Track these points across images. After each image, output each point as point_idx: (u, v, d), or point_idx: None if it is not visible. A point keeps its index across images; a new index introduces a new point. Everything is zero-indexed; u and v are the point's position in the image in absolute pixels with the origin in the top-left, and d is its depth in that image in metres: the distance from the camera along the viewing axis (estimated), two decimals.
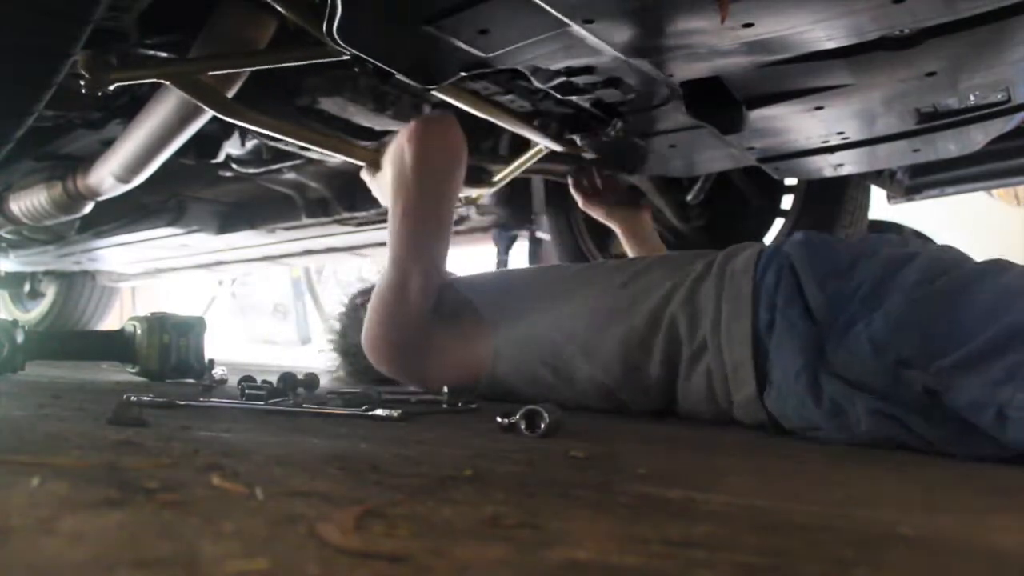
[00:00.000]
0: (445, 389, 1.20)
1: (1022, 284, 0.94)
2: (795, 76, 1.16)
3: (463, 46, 1.02)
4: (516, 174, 1.80)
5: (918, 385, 0.92)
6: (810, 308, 1.06)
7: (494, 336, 1.36)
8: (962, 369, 0.89)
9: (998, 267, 1.00)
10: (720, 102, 1.24)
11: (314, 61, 1.26)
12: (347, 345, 1.71)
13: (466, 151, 1.41)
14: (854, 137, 1.39)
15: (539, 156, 1.70)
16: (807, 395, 1.01)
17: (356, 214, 2.28)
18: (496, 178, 1.83)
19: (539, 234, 2.38)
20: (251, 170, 1.99)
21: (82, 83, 1.25)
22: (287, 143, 1.72)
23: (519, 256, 2.46)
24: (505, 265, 2.37)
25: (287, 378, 1.28)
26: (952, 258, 1.06)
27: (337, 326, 1.78)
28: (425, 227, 1.40)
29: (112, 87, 1.28)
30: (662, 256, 1.57)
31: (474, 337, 1.38)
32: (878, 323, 0.98)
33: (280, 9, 1.14)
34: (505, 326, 1.36)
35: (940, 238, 1.72)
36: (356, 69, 1.14)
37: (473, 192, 1.86)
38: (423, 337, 1.37)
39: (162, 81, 1.29)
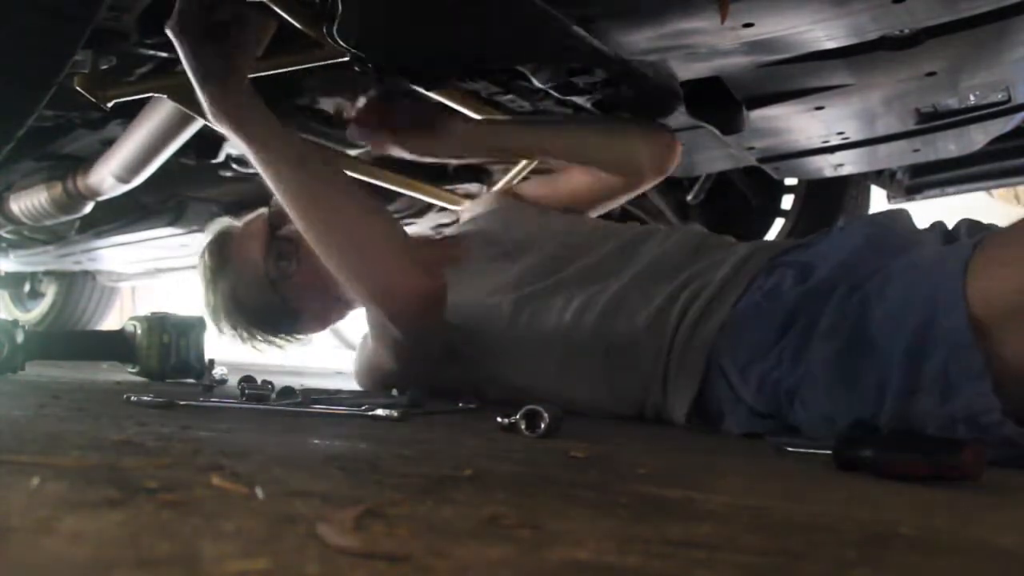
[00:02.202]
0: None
1: (911, 292, 0.90)
2: (795, 76, 1.16)
3: (463, 46, 1.02)
4: (516, 182, 1.79)
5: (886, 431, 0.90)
6: (750, 405, 1.02)
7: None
8: (906, 398, 0.86)
9: (886, 276, 0.95)
10: (720, 102, 1.24)
11: (313, 64, 1.26)
12: None
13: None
14: (854, 137, 1.39)
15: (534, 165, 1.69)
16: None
17: None
18: (497, 187, 1.82)
19: None
20: (251, 170, 1.99)
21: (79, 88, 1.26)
22: None
23: None
24: None
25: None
26: (856, 285, 0.98)
27: None
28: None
29: (110, 104, 1.29)
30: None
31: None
32: (810, 393, 0.94)
33: (279, 11, 1.14)
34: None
35: None
36: (356, 68, 1.14)
37: (472, 193, 1.86)
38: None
39: (159, 95, 1.30)
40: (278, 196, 1.20)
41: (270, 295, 1.41)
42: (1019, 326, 0.82)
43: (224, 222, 1.57)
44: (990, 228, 1.02)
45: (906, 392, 0.87)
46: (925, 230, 1.10)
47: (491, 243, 1.33)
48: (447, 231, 1.53)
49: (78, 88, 1.25)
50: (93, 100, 1.27)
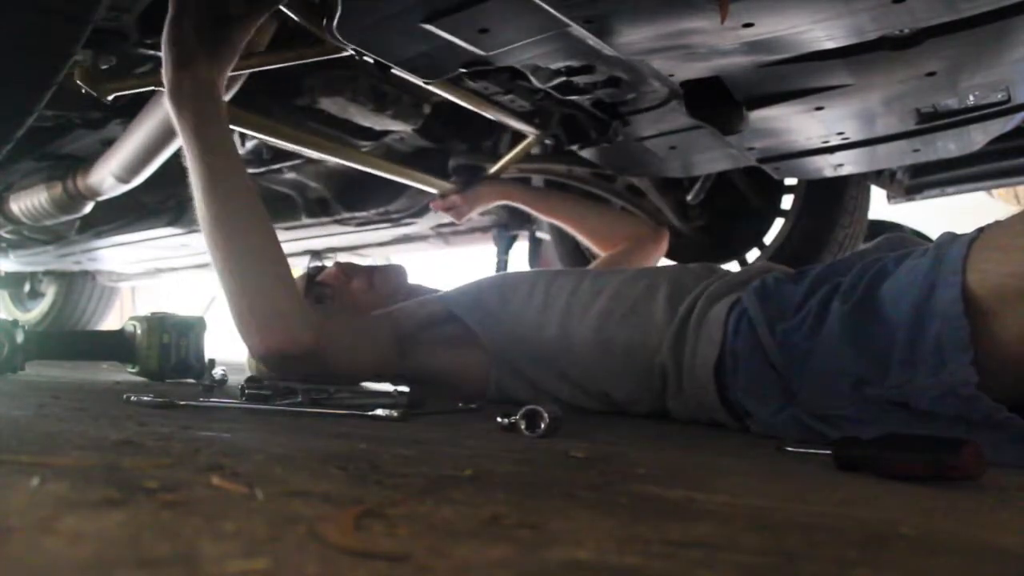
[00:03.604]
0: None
1: (919, 263, 0.97)
2: (795, 76, 1.16)
3: (462, 44, 1.03)
4: (510, 166, 1.80)
5: (883, 402, 0.94)
6: (769, 357, 1.10)
7: (486, 341, 1.37)
8: (907, 369, 0.91)
9: (906, 253, 1.03)
10: (720, 102, 1.24)
11: (315, 60, 1.26)
12: None
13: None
14: (854, 137, 1.39)
15: (530, 147, 1.70)
16: (792, 427, 1.04)
17: (356, 214, 2.28)
18: (492, 170, 1.83)
19: (539, 234, 2.38)
20: (251, 170, 1.99)
21: (82, 90, 1.26)
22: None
23: (519, 256, 2.46)
24: (505, 266, 2.36)
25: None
26: (880, 257, 1.09)
27: None
28: None
29: (110, 97, 1.29)
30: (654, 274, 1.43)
31: (466, 347, 1.39)
32: (820, 352, 1.02)
33: (280, 7, 1.14)
34: (493, 331, 1.37)
35: None
36: (357, 58, 1.14)
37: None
38: (418, 360, 1.38)
39: (159, 89, 1.29)
40: (196, 202, 1.17)
41: None
42: (1008, 309, 0.87)
43: None
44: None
45: (907, 363, 0.92)
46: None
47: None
48: None
49: (78, 81, 1.25)
50: (92, 93, 1.27)
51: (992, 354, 0.87)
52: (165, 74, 1.14)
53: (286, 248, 3.10)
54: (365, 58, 1.11)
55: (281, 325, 1.15)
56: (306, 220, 2.37)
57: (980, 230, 0.95)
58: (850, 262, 1.13)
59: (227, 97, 1.38)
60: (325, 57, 1.24)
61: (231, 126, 1.37)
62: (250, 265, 1.15)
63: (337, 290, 1.61)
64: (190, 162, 1.17)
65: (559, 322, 1.32)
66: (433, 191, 1.89)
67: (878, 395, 0.95)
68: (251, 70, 1.31)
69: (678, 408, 1.23)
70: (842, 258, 1.24)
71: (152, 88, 1.32)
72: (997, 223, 0.97)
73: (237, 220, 1.15)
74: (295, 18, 1.15)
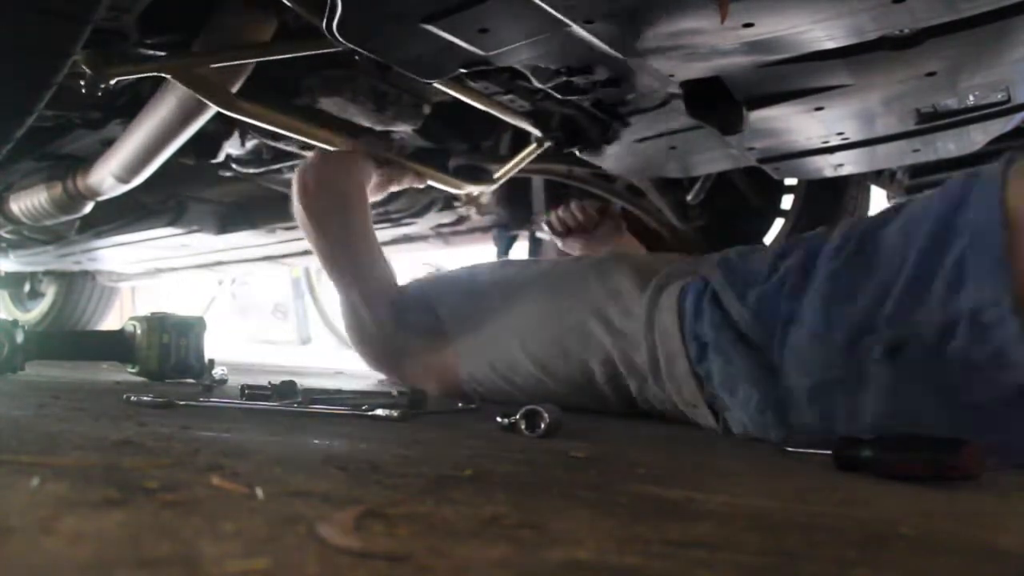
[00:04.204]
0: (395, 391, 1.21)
1: (919, 209, 0.88)
2: (795, 76, 1.16)
3: (462, 44, 1.03)
4: (515, 172, 1.80)
5: (877, 352, 0.83)
6: (741, 330, 0.98)
7: (457, 343, 1.38)
8: (911, 301, 0.80)
9: (901, 205, 0.95)
10: (720, 102, 1.24)
11: (316, 52, 1.26)
12: None
13: (363, 175, 1.52)
14: (854, 137, 1.39)
15: (538, 152, 1.70)
16: (777, 427, 0.95)
17: None
18: (496, 175, 1.83)
19: (539, 234, 2.38)
20: (251, 170, 1.99)
21: (82, 81, 1.25)
22: (288, 141, 1.72)
23: (519, 256, 2.46)
24: None
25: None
26: (867, 217, 1.00)
27: None
28: (334, 258, 1.50)
29: (113, 81, 1.28)
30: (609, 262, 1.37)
31: (441, 344, 1.40)
32: (809, 311, 0.90)
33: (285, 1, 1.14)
34: (465, 333, 1.38)
35: None
36: (357, 57, 1.14)
37: (475, 190, 1.87)
38: (392, 346, 1.42)
39: (163, 75, 1.29)
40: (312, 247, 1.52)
41: None
42: None
43: None
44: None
45: (912, 290, 0.80)
46: None
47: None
48: None
49: (81, 64, 1.24)
50: (94, 79, 1.26)
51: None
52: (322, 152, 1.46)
53: (286, 248, 3.10)
54: (366, 58, 1.11)
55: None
56: None
57: (1007, 160, 0.81)
58: (821, 234, 1.02)
59: (233, 90, 1.39)
60: (326, 51, 1.24)
61: (236, 115, 1.38)
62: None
63: None
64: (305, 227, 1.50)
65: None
66: (443, 188, 1.87)
67: (872, 344, 0.83)
68: (252, 61, 1.31)
69: (663, 407, 1.16)
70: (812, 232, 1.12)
71: (154, 74, 1.32)
72: None
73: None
74: (298, 10, 1.14)
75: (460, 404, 1.18)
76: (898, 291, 0.82)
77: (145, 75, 1.32)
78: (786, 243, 1.05)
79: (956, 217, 0.79)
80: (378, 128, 1.69)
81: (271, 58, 1.31)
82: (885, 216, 0.94)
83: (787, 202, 1.96)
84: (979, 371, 0.76)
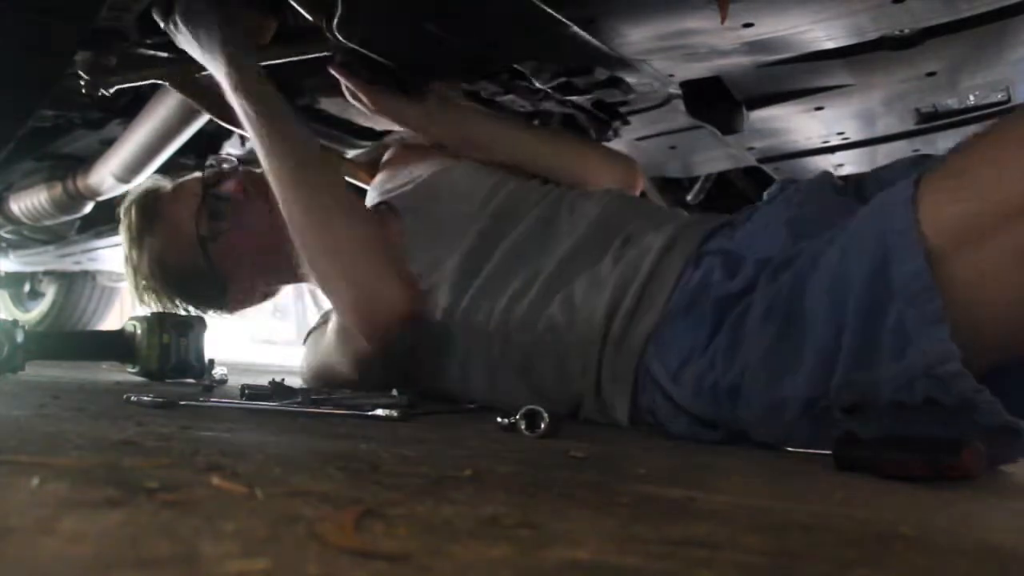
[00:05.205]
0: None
1: (836, 264, 0.83)
2: (795, 76, 1.16)
3: (462, 44, 1.03)
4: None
5: (836, 412, 0.81)
6: (685, 408, 0.95)
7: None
8: (859, 368, 0.79)
9: (817, 246, 0.89)
10: (720, 102, 1.24)
11: (316, 55, 1.26)
12: None
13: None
14: (854, 137, 1.39)
15: None
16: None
17: None
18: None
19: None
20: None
21: (82, 84, 1.26)
22: None
23: None
24: None
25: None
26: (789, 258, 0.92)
27: None
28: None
29: (112, 90, 1.29)
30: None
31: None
32: (751, 386, 0.87)
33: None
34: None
35: None
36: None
37: None
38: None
39: (161, 82, 1.30)
40: (272, 179, 1.15)
41: (198, 258, 1.34)
42: (970, 251, 0.74)
43: (155, 178, 1.50)
44: (923, 162, 0.94)
45: (859, 357, 0.79)
46: (844, 197, 1.01)
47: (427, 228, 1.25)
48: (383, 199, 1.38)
49: (80, 72, 1.25)
50: (94, 84, 1.27)
51: (962, 323, 0.73)
52: (219, 61, 1.14)
53: None
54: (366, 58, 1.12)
55: (381, 289, 1.14)
56: None
57: (914, 183, 0.78)
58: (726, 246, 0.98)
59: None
60: (327, 53, 1.24)
61: (230, 127, 1.37)
62: (342, 242, 1.15)
63: (237, 206, 1.34)
64: (259, 144, 1.16)
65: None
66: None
67: (830, 404, 0.81)
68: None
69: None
70: (735, 228, 1.05)
71: (154, 82, 1.32)
72: (931, 168, 0.81)
73: (319, 202, 1.15)
74: (299, 8, 1.15)
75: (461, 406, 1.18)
76: (845, 358, 0.80)
77: (145, 83, 1.33)
78: (723, 301, 0.95)
79: (882, 277, 0.77)
80: (378, 128, 1.69)
81: (271, 62, 1.31)
82: (802, 267, 0.88)
83: None
84: (951, 412, 0.75)
